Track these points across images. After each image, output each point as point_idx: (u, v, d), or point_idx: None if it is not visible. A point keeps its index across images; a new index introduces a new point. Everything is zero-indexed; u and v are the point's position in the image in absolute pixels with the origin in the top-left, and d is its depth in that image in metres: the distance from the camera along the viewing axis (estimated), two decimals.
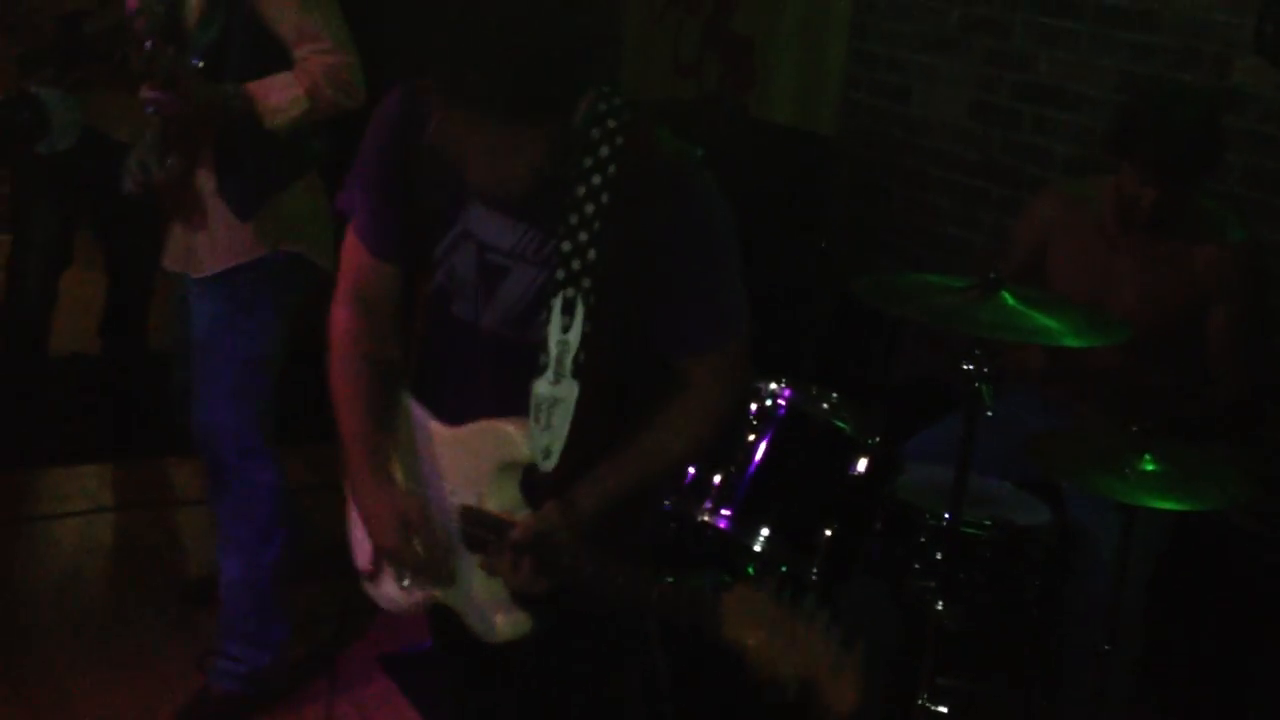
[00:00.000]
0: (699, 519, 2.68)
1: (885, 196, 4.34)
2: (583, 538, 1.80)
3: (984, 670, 2.81)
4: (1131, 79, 3.60)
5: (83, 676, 3.19)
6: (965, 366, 2.50)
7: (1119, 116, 2.91)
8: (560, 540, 1.78)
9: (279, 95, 2.73)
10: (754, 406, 2.71)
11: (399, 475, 1.98)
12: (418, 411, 1.96)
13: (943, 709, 2.62)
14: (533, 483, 1.87)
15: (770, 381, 2.73)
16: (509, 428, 1.83)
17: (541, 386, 1.79)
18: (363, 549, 2.08)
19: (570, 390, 1.79)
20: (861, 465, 2.71)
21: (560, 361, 1.78)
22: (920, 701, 2.62)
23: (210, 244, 2.86)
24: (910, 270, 4.16)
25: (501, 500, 1.88)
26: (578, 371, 1.78)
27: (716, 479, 2.68)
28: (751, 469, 2.70)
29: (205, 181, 2.84)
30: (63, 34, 3.45)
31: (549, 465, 1.82)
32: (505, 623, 1.90)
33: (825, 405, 2.77)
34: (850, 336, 4.18)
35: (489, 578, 1.87)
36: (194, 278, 2.90)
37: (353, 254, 1.98)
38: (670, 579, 1.69)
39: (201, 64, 2.71)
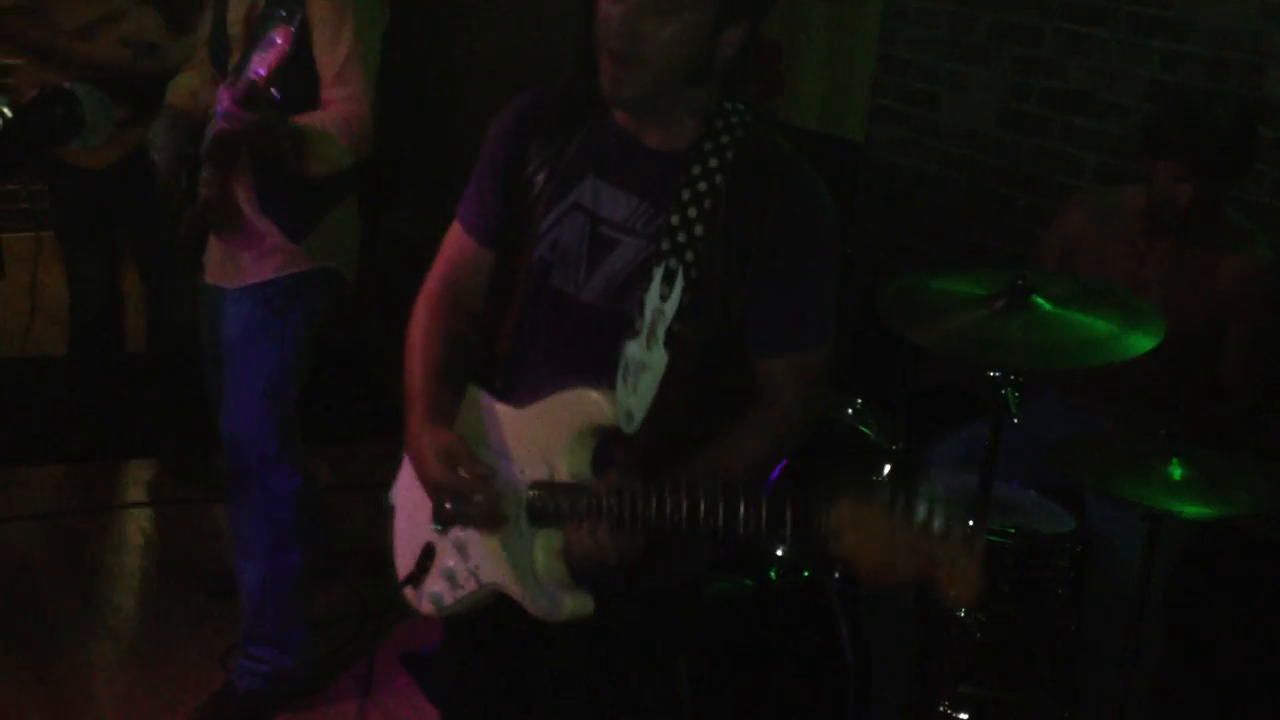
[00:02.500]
0: None
1: (912, 203, 4.33)
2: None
3: (1006, 678, 2.80)
4: (1162, 88, 3.58)
5: (108, 671, 3.21)
6: (991, 374, 2.49)
7: (1155, 118, 2.89)
8: (637, 498, 1.76)
9: (328, 148, 2.71)
10: None
11: None
12: (485, 400, 1.99)
13: (964, 716, 2.61)
14: (604, 458, 1.87)
15: None
16: (593, 392, 1.85)
17: (633, 349, 1.83)
18: (404, 558, 2.08)
19: (660, 358, 1.82)
20: (885, 471, 2.70)
21: (654, 328, 1.82)
22: (941, 709, 2.61)
23: (253, 258, 2.88)
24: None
25: (575, 468, 1.87)
26: (669, 341, 1.82)
27: None
28: (774, 474, 2.70)
29: (244, 195, 2.85)
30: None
31: (631, 429, 1.83)
32: (571, 601, 1.89)
33: (849, 411, 2.76)
34: (875, 342, 4.17)
35: (551, 556, 1.88)
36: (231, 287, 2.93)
37: (453, 241, 2.05)
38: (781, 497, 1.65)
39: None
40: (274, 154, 2.71)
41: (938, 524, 1.53)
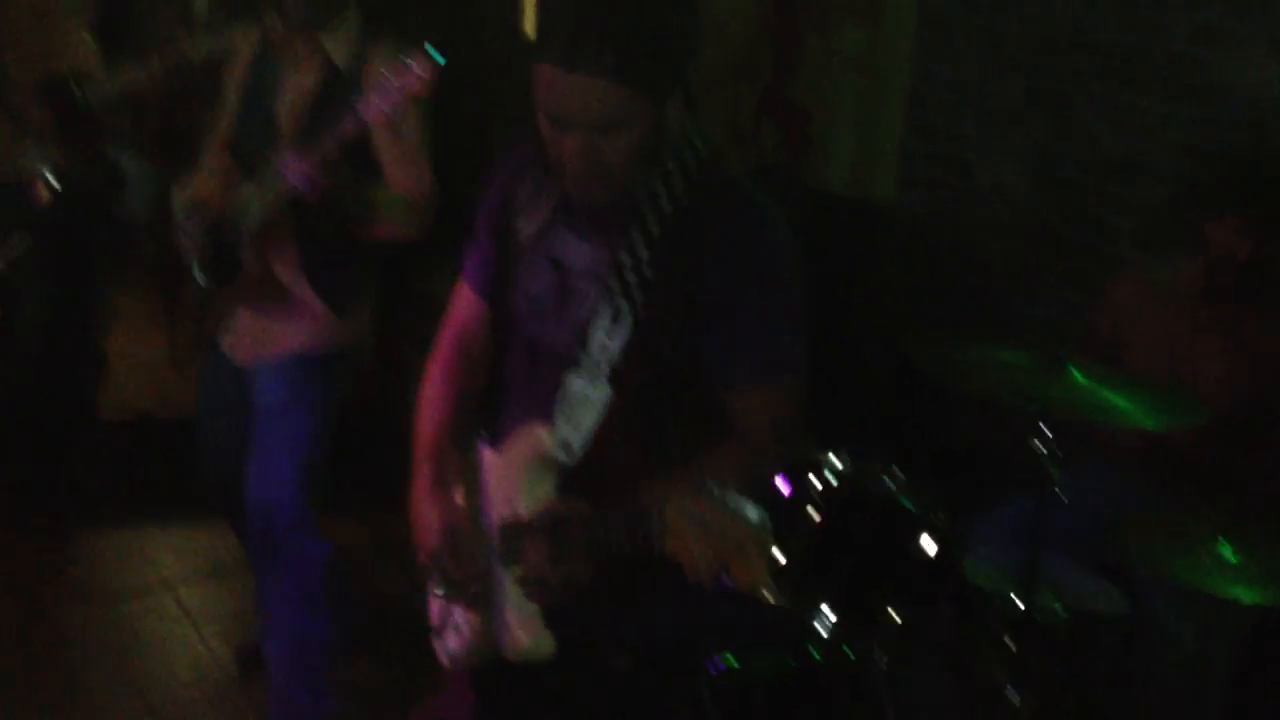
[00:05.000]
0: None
1: (943, 268, 4.32)
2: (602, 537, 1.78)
3: None
4: (1197, 154, 3.57)
5: None
6: (1035, 446, 2.46)
7: (1204, 179, 2.87)
8: (577, 528, 1.78)
9: (397, 212, 2.75)
10: (816, 482, 2.68)
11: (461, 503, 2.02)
12: (479, 448, 2.02)
13: None
14: (566, 487, 1.89)
15: (834, 456, 2.70)
16: (538, 426, 1.88)
17: (575, 382, 1.87)
18: (435, 604, 2.10)
19: (602, 392, 1.85)
20: (927, 544, 2.66)
21: (597, 364, 1.86)
22: None
23: (292, 328, 2.89)
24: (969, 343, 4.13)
25: (535, 502, 1.89)
26: (613, 378, 1.84)
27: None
28: (814, 546, 2.66)
29: (287, 268, 2.86)
30: (51, 101, 3.32)
31: (568, 459, 1.86)
32: (528, 639, 1.89)
33: (890, 482, 2.73)
34: (908, 407, 4.14)
35: (523, 597, 1.88)
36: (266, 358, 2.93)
37: (458, 298, 2.12)
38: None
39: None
40: (347, 216, 2.72)
41: (731, 506, 1.55)
